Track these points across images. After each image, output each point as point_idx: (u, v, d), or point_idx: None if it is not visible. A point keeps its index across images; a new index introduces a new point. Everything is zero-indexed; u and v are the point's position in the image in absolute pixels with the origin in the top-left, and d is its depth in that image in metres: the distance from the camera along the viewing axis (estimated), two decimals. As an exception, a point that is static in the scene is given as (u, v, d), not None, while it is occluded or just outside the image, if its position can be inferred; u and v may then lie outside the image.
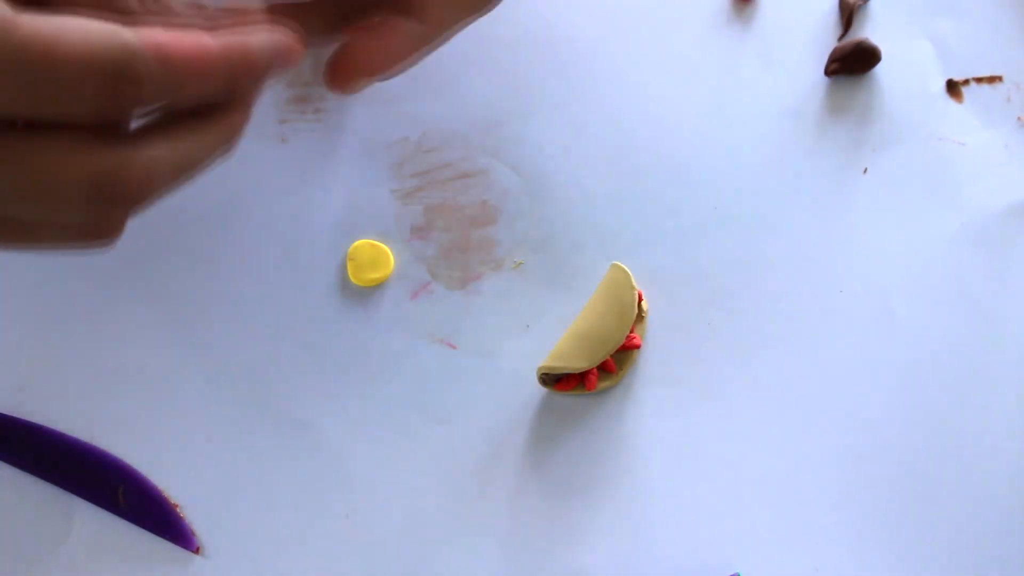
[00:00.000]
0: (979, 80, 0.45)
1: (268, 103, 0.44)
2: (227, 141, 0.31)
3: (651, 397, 0.41)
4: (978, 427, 0.41)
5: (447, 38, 0.38)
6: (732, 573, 0.40)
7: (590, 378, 0.41)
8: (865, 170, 0.44)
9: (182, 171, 0.30)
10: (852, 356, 0.42)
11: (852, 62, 0.44)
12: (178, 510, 0.40)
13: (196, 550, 0.40)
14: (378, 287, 0.42)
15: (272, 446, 0.41)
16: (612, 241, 0.43)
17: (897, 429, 0.41)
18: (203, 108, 0.30)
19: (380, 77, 0.37)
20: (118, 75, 0.26)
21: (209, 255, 0.42)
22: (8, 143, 0.26)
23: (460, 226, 0.43)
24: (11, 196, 0.27)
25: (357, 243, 0.42)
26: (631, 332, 0.41)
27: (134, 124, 0.29)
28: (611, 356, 0.41)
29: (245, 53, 0.30)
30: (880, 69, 0.45)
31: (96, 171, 0.27)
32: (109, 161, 0.27)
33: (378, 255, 0.42)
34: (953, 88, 0.45)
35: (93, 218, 0.28)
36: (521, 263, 0.43)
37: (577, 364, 0.40)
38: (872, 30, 0.45)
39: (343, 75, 0.37)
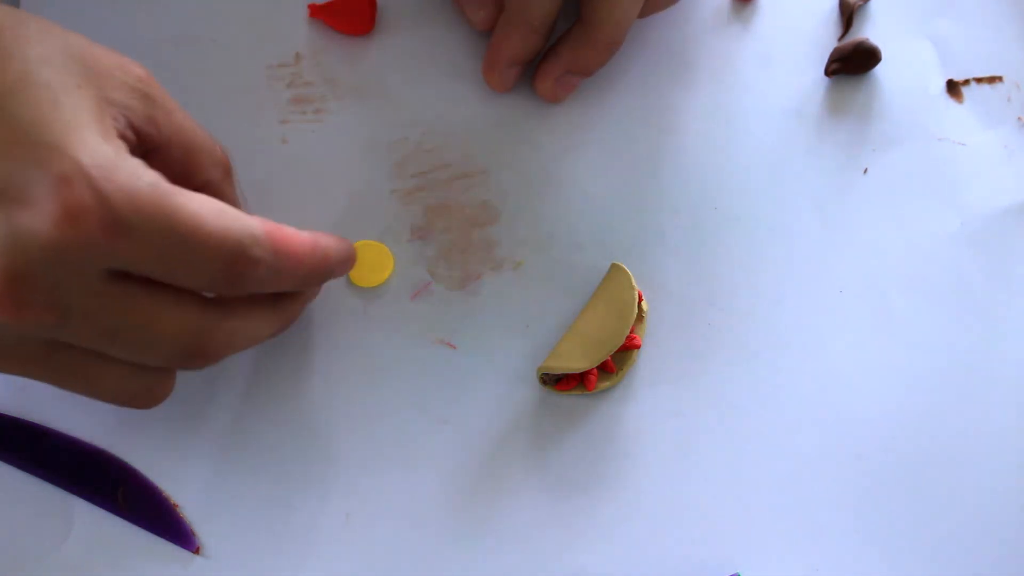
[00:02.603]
0: (979, 80, 0.45)
1: (268, 103, 0.44)
2: (288, 323, 0.36)
3: (651, 397, 0.41)
4: (978, 427, 0.41)
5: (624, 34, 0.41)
6: (732, 573, 0.40)
7: (590, 378, 0.41)
8: (865, 170, 0.44)
9: (249, 343, 0.33)
10: (852, 356, 0.42)
11: (852, 62, 0.44)
12: (178, 510, 0.40)
13: (196, 550, 0.40)
14: (378, 287, 0.42)
15: (272, 446, 0.41)
16: (612, 241, 0.43)
17: (897, 429, 0.41)
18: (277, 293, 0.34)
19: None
20: (240, 258, 0.29)
21: (209, 255, 0.42)
22: (129, 291, 0.29)
23: (460, 226, 0.43)
24: (116, 335, 0.29)
25: (357, 243, 0.42)
26: (631, 332, 0.41)
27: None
28: (611, 356, 0.41)
29: (330, 257, 0.34)
30: (880, 69, 0.45)
31: (191, 329, 0.30)
32: (203, 323, 0.31)
33: (378, 255, 0.42)
34: (953, 88, 0.45)
35: (167, 365, 0.31)
36: (521, 263, 0.43)
37: (577, 364, 0.40)
38: (872, 30, 0.45)
39: (552, 86, 0.42)
